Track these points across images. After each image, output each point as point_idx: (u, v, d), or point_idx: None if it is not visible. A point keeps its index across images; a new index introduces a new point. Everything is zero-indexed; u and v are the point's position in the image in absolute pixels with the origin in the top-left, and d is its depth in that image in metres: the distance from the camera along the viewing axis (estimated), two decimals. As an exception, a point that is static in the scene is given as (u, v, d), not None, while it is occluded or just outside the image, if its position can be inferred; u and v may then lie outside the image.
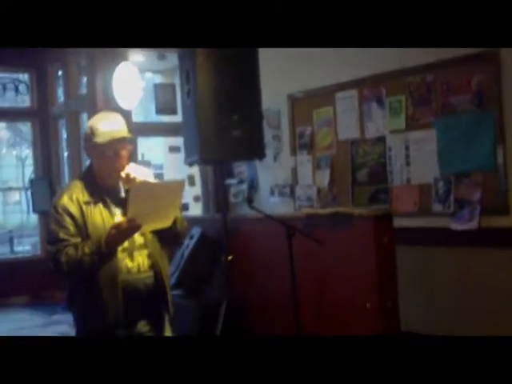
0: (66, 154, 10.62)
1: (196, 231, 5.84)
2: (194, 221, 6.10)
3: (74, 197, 3.32)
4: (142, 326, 3.39)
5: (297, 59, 6.52)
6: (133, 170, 3.37)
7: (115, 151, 3.33)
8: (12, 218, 17.64)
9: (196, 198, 9.31)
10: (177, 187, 3.41)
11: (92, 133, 3.36)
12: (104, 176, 3.38)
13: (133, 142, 3.55)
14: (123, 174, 3.35)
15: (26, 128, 12.99)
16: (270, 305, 5.36)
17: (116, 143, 3.33)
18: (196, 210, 9.17)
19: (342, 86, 6.59)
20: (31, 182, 11.17)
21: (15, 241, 14.93)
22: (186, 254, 5.79)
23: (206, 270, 5.75)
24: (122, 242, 3.24)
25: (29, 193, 11.74)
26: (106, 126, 3.36)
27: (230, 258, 4.98)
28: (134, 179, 3.32)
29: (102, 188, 3.37)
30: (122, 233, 3.17)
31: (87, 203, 3.32)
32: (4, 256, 12.60)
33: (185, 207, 8.63)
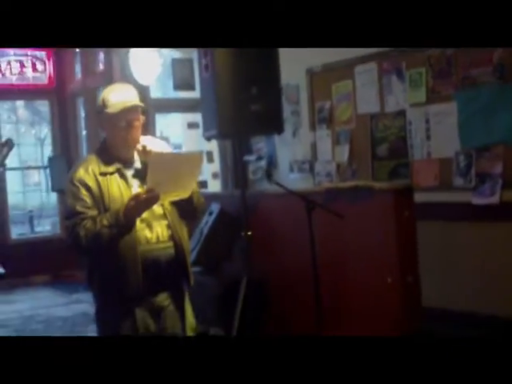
0: (84, 132, 10.63)
1: (215, 207, 5.81)
2: (212, 197, 6.08)
3: (89, 169, 3.30)
4: (164, 300, 3.37)
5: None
6: (149, 142, 3.35)
7: (127, 122, 3.30)
8: (32, 199, 17.71)
9: (214, 175, 9.30)
10: (195, 158, 3.40)
11: (104, 104, 3.33)
12: (118, 147, 3.36)
13: (146, 112, 3.51)
14: (139, 147, 3.33)
15: (44, 108, 12.97)
16: (289, 280, 5.33)
17: (128, 113, 3.29)
18: (215, 186, 9.16)
19: (362, 60, 6.51)
20: (49, 159, 11.19)
21: (35, 221, 15.01)
22: (206, 230, 5.76)
23: (226, 246, 5.72)
24: (141, 213, 3.21)
25: (47, 171, 11.77)
26: (117, 96, 3.33)
27: (249, 233, 4.95)
28: (150, 152, 3.29)
29: (117, 159, 3.35)
30: (140, 204, 3.14)
31: (103, 175, 3.29)
32: (25, 236, 12.69)
33: (203, 184, 8.62)
